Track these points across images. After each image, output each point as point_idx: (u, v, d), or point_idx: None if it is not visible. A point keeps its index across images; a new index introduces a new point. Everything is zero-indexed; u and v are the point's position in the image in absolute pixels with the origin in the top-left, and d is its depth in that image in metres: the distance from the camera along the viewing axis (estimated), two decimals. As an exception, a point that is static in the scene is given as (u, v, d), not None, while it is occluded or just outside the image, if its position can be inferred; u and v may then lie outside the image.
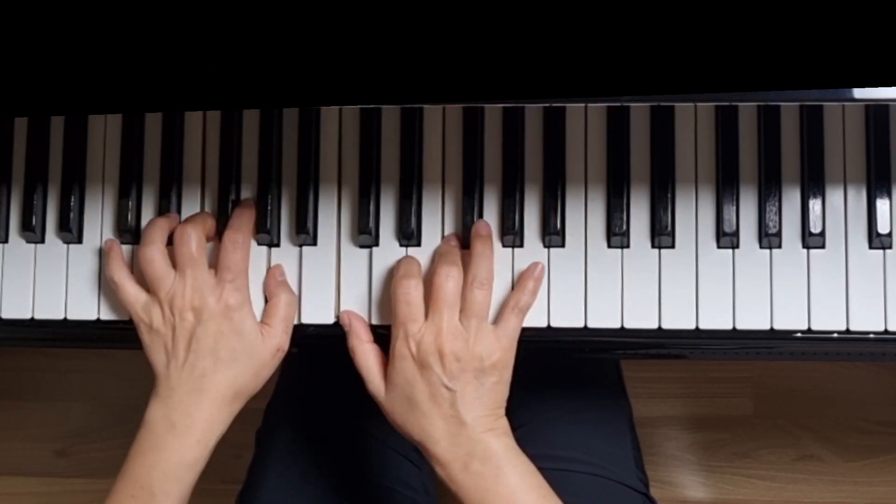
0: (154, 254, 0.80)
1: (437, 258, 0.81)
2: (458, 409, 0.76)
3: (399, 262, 0.81)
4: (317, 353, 1.04)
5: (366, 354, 0.80)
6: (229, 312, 0.79)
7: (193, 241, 0.80)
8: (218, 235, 0.83)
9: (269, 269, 0.83)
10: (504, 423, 0.78)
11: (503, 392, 0.78)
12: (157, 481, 0.78)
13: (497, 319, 0.79)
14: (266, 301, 0.83)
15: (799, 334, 0.81)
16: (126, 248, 0.85)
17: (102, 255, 0.84)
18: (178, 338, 0.79)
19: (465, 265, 0.79)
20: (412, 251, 0.83)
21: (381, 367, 0.80)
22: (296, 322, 0.83)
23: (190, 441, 0.78)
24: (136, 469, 0.78)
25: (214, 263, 0.81)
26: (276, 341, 0.81)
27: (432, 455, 0.77)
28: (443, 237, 0.83)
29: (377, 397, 0.80)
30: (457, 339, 0.76)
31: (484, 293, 0.78)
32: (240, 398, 0.81)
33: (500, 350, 0.77)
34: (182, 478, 0.79)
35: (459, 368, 0.76)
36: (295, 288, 0.84)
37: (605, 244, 0.82)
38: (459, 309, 0.78)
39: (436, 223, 0.84)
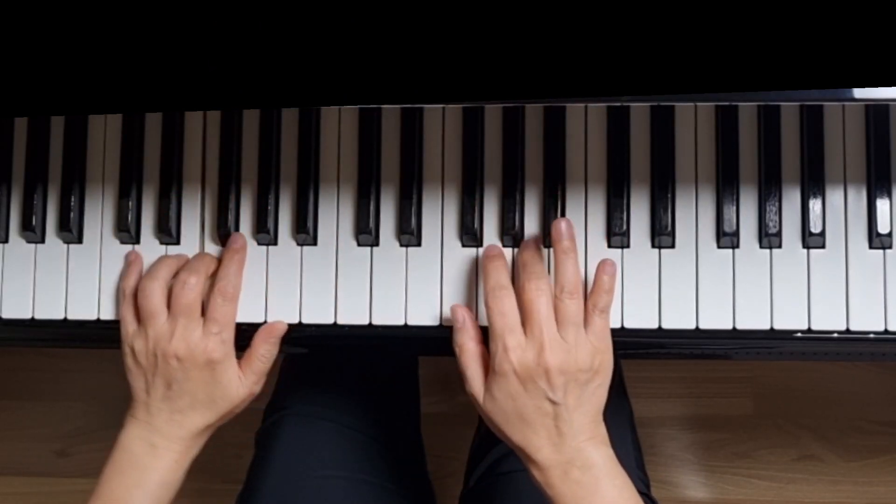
0: (153, 289, 0.81)
1: (521, 268, 0.79)
2: (562, 419, 0.76)
3: (486, 268, 0.80)
4: (317, 353, 1.04)
5: (473, 356, 0.79)
6: (212, 365, 0.81)
7: (194, 292, 0.81)
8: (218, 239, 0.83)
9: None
10: (603, 430, 0.78)
11: (603, 395, 0.78)
12: (137, 500, 0.79)
13: (585, 324, 0.78)
14: (266, 298, 0.83)
15: (799, 334, 0.81)
16: (128, 248, 0.85)
17: (123, 262, 0.85)
18: (159, 376, 0.80)
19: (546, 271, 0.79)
20: (412, 251, 0.83)
21: (484, 372, 0.79)
22: (296, 322, 0.83)
23: (169, 461, 0.81)
24: (115, 489, 0.80)
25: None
26: (248, 390, 0.83)
27: (533, 460, 0.76)
28: (443, 237, 0.83)
29: (475, 400, 0.79)
30: (559, 352, 0.76)
31: (576, 302, 0.77)
32: (212, 429, 0.84)
33: (599, 353, 0.77)
34: (161, 497, 0.81)
35: (564, 381, 0.75)
36: (295, 288, 0.84)
37: (605, 244, 0.82)
38: (556, 319, 0.77)
39: (436, 223, 0.84)
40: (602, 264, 0.80)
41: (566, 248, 0.79)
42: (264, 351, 0.83)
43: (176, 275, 0.82)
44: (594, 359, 0.77)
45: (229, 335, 0.82)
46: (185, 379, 0.80)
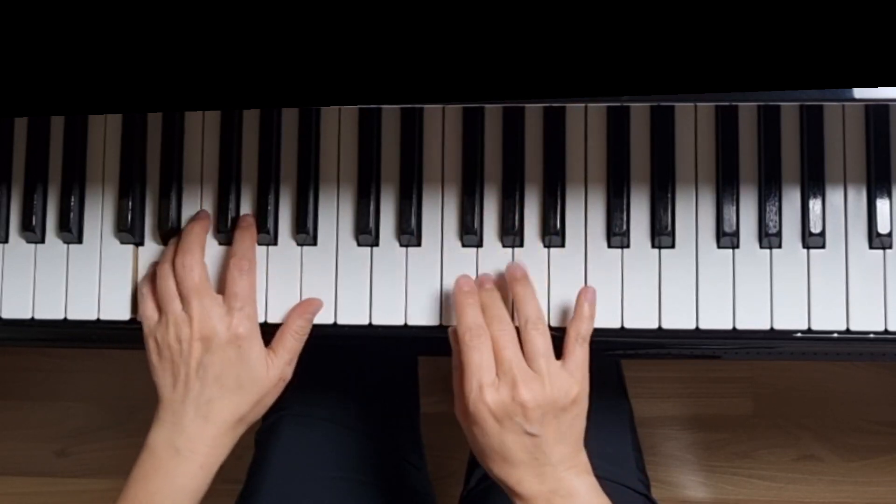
0: (166, 273, 0.81)
1: (483, 309, 0.79)
2: (541, 450, 0.76)
3: (459, 304, 0.79)
4: (317, 353, 1.04)
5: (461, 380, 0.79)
6: (238, 341, 0.79)
7: (195, 271, 0.80)
8: (218, 231, 0.83)
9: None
10: (584, 458, 0.78)
11: (582, 424, 0.78)
12: None
13: (563, 354, 0.78)
14: (266, 298, 0.83)
15: (799, 334, 0.81)
16: (128, 248, 0.85)
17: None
18: (185, 365, 0.79)
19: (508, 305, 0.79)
20: (412, 251, 0.83)
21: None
22: (296, 322, 0.83)
23: (194, 467, 0.78)
24: (139, 494, 0.78)
25: (219, 286, 0.82)
26: (280, 372, 0.81)
27: (515, 493, 0.77)
28: (443, 237, 0.83)
29: (461, 422, 0.79)
30: (533, 385, 0.75)
31: (540, 332, 0.77)
32: (242, 424, 0.81)
33: (576, 384, 0.77)
34: (184, 503, 0.79)
35: (541, 413, 0.75)
36: (295, 288, 0.84)
37: (605, 244, 0.82)
38: (524, 355, 0.77)
39: (436, 223, 0.84)
40: (583, 291, 0.80)
41: (522, 284, 0.79)
42: (297, 327, 0.82)
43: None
44: (570, 389, 0.76)
45: (252, 311, 0.80)
46: (211, 362, 0.78)
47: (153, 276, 0.82)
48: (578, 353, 0.78)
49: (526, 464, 0.76)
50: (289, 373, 0.82)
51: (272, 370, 0.81)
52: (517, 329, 0.78)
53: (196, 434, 0.79)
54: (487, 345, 0.77)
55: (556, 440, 0.76)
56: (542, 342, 0.77)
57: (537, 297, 0.80)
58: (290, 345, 0.82)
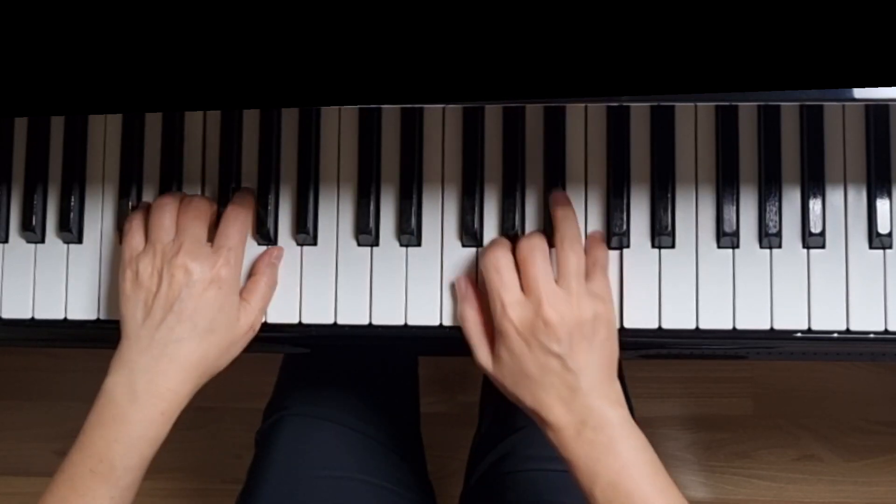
0: (165, 206, 0.79)
1: (520, 240, 0.79)
2: (571, 371, 0.74)
3: (486, 247, 0.80)
4: (317, 353, 1.04)
5: (474, 324, 0.79)
6: (219, 282, 0.78)
7: (199, 209, 0.79)
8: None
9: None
10: (618, 388, 0.76)
11: (612, 349, 0.77)
12: (119, 455, 0.74)
13: (587, 278, 0.78)
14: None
15: (799, 334, 0.81)
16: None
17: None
18: (162, 295, 0.76)
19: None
20: (412, 251, 0.83)
21: (488, 339, 0.78)
22: (296, 322, 0.83)
23: (154, 413, 0.75)
24: (96, 442, 0.75)
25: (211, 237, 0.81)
26: (251, 319, 0.80)
27: (545, 421, 0.74)
28: (443, 237, 0.83)
29: (485, 369, 0.78)
30: (560, 304, 0.74)
31: (576, 252, 0.77)
32: (206, 373, 0.78)
33: (602, 303, 0.76)
34: (143, 451, 0.76)
35: (567, 332, 0.74)
36: (295, 288, 0.84)
37: (604, 244, 0.82)
38: (555, 273, 0.76)
39: (436, 223, 0.84)
40: (592, 233, 0.81)
41: (565, 209, 0.80)
42: (266, 274, 0.81)
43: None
44: (597, 307, 0.76)
45: (239, 257, 0.80)
46: (188, 296, 0.76)
47: (146, 210, 0.81)
48: (599, 276, 0.78)
49: (555, 388, 0.74)
50: (258, 322, 0.81)
51: (244, 317, 0.80)
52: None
53: (159, 374, 0.76)
54: (509, 267, 0.76)
55: (584, 363, 0.74)
56: (575, 261, 0.77)
57: (577, 221, 0.80)
58: (262, 291, 0.81)
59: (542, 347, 0.74)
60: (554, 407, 0.74)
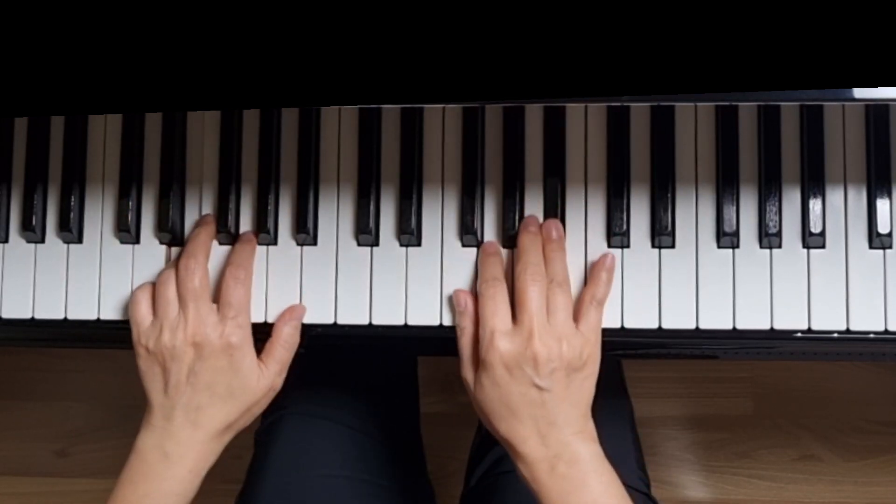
0: (168, 279, 0.81)
1: (519, 254, 0.80)
2: (549, 408, 0.75)
3: (482, 262, 0.81)
4: (317, 353, 1.04)
5: (470, 339, 0.79)
6: (230, 350, 0.79)
7: (197, 275, 0.80)
8: (224, 233, 0.83)
9: (299, 300, 0.83)
10: (591, 426, 0.78)
11: (591, 388, 0.78)
12: None
13: (577, 316, 0.79)
14: (266, 298, 0.83)
15: (799, 334, 0.81)
16: (128, 248, 0.85)
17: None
18: (176, 372, 0.78)
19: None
20: (412, 251, 0.83)
21: (476, 356, 0.78)
22: (296, 322, 0.83)
23: (182, 471, 0.78)
24: (129, 497, 0.78)
25: (216, 296, 0.81)
26: (270, 382, 0.82)
27: (518, 454, 0.76)
28: (443, 237, 0.83)
29: (467, 386, 0.79)
30: (548, 340, 0.76)
31: (564, 291, 0.78)
32: (231, 431, 0.81)
33: (588, 345, 0.77)
34: None
35: (552, 368, 0.75)
36: (295, 288, 0.84)
37: (605, 244, 0.82)
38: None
39: (436, 223, 0.84)
40: (602, 257, 0.81)
41: (556, 247, 0.80)
42: (286, 336, 0.82)
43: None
44: (583, 349, 0.77)
45: (245, 320, 0.80)
46: (202, 369, 0.78)
47: (152, 284, 0.82)
48: (593, 315, 0.78)
49: (532, 420, 0.75)
50: (279, 383, 0.83)
51: (262, 380, 0.81)
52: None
53: (185, 439, 0.79)
54: (503, 295, 0.78)
55: (563, 399, 0.76)
56: (563, 301, 0.78)
57: (566, 261, 0.80)
58: (280, 355, 0.82)
59: (524, 378, 0.75)
60: (529, 439, 0.75)
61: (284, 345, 0.82)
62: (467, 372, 0.79)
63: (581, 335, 0.77)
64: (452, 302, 0.82)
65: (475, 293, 0.81)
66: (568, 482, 0.74)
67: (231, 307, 0.80)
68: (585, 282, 0.81)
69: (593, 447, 0.76)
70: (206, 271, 0.81)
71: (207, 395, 0.79)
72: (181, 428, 0.79)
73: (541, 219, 0.82)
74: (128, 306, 0.82)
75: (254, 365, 0.80)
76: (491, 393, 0.76)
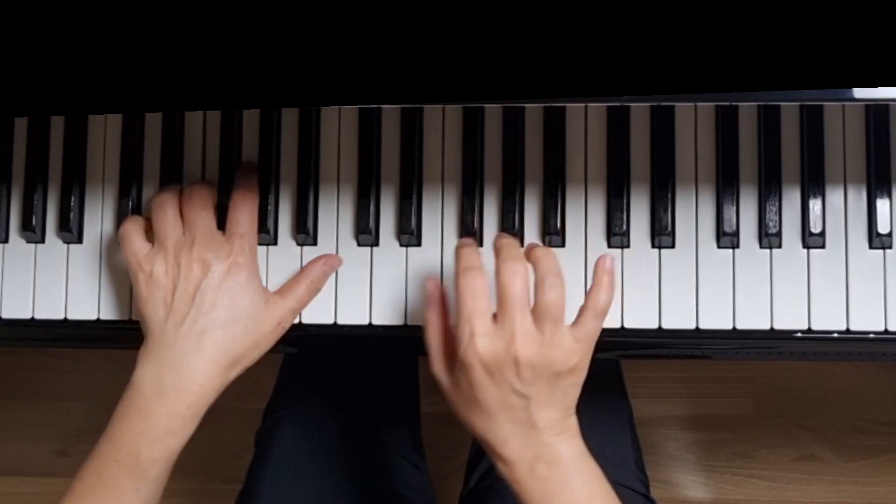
0: (166, 202, 0.79)
1: (497, 251, 0.74)
2: (530, 412, 0.71)
3: (458, 252, 0.75)
4: (316, 353, 1.04)
5: (436, 331, 0.75)
6: (237, 269, 0.77)
7: (204, 199, 0.79)
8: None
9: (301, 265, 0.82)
10: (574, 422, 0.73)
11: (576, 393, 0.73)
12: (144, 447, 0.74)
13: (575, 321, 0.73)
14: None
15: (799, 334, 0.81)
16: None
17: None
18: (182, 290, 0.76)
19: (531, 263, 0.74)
20: (412, 251, 0.83)
21: (448, 352, 0.74)
22: (296, 322, 0.83)
23: (180, 407, 0.75)
24: (123, 434, 0.75)
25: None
26: (280, 313, 0.78)
27: (497, 454, 0.72)
28: (443, 237, 0.83)
29: (439, 383, 0.74)
30: (532, 345, 0.70)
31: (557, 291, 0.71)
32: (235, 367, 0.77)
33: (577, 354, 0.72)
34: (169, 445, 0.75)
35: (534, 375, 0.70)
36: (295, 288, 0.83)
37: (605, 244, 0.82)
38: (531, 310, 0.71)
39: (436, 223, 0.84)
40: (601, 259, 0.75)
41: (542, 252, 0.74)
42: (314, 276, 0.80)
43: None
44: (570, 357, 0.71)
45: (253, 243, 0.79)
46: (207, 288, 0.75)
47: (138, 216, 0.81)
48: (591, 324, 0.73)
49: (511, 424, 0.71)
50: (289, 321, 0.80)
51: (273, 310, 0.78)
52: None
53: (185, 368, 0.75)
54: (483, 287, 0.72)
55: (545, 404, 0.71)
56: (555, 302, 0.71)
57: (579, 267, 0.78)
58: (300, 293, 0.80)
59: (506, 384, 0.71)
60: (508, 441, 0.72)
61: (309, 284, 0.80)
62: (438, 367, 0.74)
63: (573, 342, 0.72)
64: (453, 289, 0.81)
65: (442, 286, 0.77)
66: (549, 483, 0.71)
67: (238, 225, 0.78)
68: (585, 284, 0.81)
69: (575, 444, 0.73)
70: (211, 200, 0.80)
71: (211, 317, 0.75)
72: (182, 355, 0.75)
73: (539, 219, 0.82)
74: (120, 240, 0.80)
75: (260, 292, 0.78)
76: (468, 394, 0.72)
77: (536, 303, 0.72)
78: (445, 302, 0.76)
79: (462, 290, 0.72)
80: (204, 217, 0.78)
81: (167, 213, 0.79)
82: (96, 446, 0.77)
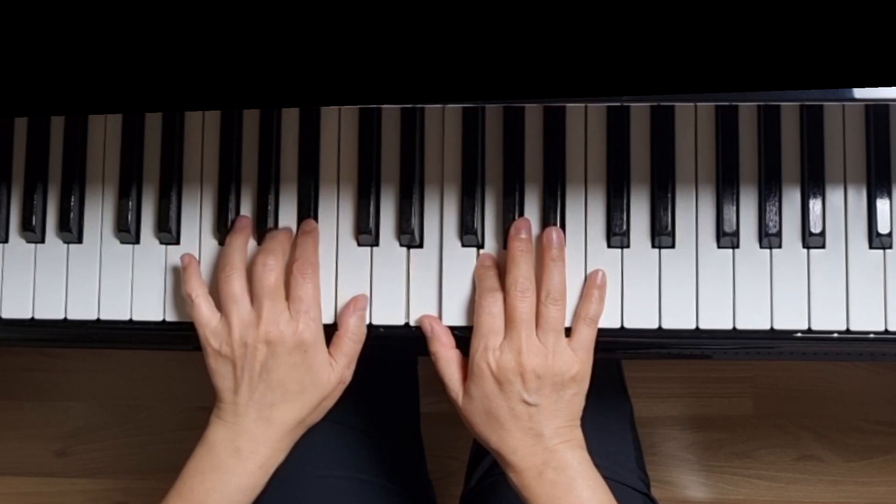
0: (234, 275, 0.80)
1: (509, 263, 0.80)
2: (536, 421, 0.77)
3: (479, 273, 0.81)
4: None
5: (448, 361, 0.81)
6: (303, 346, 0.79)
7: (275, 272, 0.79)
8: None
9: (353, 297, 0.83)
10: (579, 434, 0.79)
11: (580, 403, 0.79)
12: (215, 503, 0.78)
13: (570, 332, 0.80)
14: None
15: (799, 334, 0.81)
16: (128, 248, 0.85)
17: (180, 270, 0.83)
18: (248, 368, 0.78)
19: (536, 278, 0.79)
20: (412, 251, 0.83)
21: (462, 374, 0.80)
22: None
23: (252, 466, 0.79)
24: (195, 488, 0.78)
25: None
26: (339, 376, 0.81)
27: (507, 462, 0.78)
28: (443, 237, 0.83)
29: (455, 403, 0.81)
30: (537, 356, 0.77)
31: (558, 308, 0.78)
32: (302, 427, 0.81)
33: (578, 363, 0.78)
34: (240, 502, 0.79)
35: (539, 384, 0.77)
36: (295, 288, 0.83)
37: (605, 244, 0.82)
38: (535, 325, 0.78)
39: (436, 223, 0.84)
40: (593, 274, 0.81)
41: (555, 256, 0.80)
42: (353, 327, 0.81)
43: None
44: (572, 367, 0.78)
45: (317, 315, 0.80)
46: (275, 366, 0.78)
47: (196, 279, 0.81)
48: (584, 332, 0.79)
49: (520, 432, 0.77)
50: (348, 375, 0.82)
51: (333, 374, 0.81)
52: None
53: (257, 436, 0.79)
54: (499, 308, 0.79)
55: (551, 413, 0.77)
56: (556, 317, 0.78)
57: (565, 273, 0.80)
58: (348, 348, 0.82)
59: (514, 394, 0.77)
60: (518, 450, 0.78)
61: (352, 337, 0.82)
62: (454, 389, 0.80)
63: (571, 352, 0.78)
64: (453, 290, 0.82)
65: (466, 305, 0.82)
66: (556, 487, 0.77)
67: (302, 302, 0.79)
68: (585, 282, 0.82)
69: (581, 454, 0.78)
70: (282, 269, 0.80)
71: (280, 392, 0.79)
72: (253, 424, 0.79)
73: (539, 219, 0.82)
74: (186, 300, 0.81)
75: (325, 360, 0.80)
76: (480, 405, 0.78)
77: (539, 317, 0.78)
78: (446, 332, 0.81)
79: (482, 309, 0.79)
80: (272, 293, 0.79)
81: (234, 287, 0.79)
82: (164, 500, 0.79)
